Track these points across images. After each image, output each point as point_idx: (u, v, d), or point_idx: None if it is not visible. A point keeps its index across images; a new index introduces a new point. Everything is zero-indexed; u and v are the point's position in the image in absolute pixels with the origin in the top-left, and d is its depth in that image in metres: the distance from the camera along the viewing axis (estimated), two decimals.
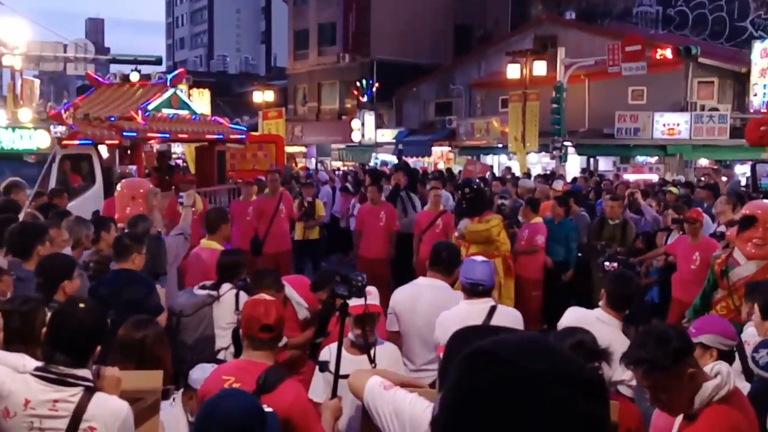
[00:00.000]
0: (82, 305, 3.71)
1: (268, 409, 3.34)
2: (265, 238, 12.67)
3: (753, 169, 5.28)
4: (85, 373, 3.55)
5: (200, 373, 4.81)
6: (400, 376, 4.09)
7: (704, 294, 7.77)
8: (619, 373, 4.83)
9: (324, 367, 4.55)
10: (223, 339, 6.17)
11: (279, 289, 6.11)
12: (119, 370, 3.78)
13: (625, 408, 4.17)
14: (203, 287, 6.37)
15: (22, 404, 3.48)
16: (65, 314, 3.68)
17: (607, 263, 10.72)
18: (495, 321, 5.58)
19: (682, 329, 3.91)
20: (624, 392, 5.00)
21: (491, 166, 29.64)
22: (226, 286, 6.36)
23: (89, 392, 3.52)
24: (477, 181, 11.40)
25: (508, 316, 5.81)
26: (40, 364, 3.63)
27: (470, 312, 5.65)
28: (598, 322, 5.02)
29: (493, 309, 5.69)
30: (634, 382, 4.94)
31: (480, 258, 6.17)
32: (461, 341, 1.56)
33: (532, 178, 21.25)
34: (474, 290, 5.74)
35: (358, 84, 42.21)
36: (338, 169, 31.11)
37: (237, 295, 6.25)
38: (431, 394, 3.56)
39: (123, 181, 9.87)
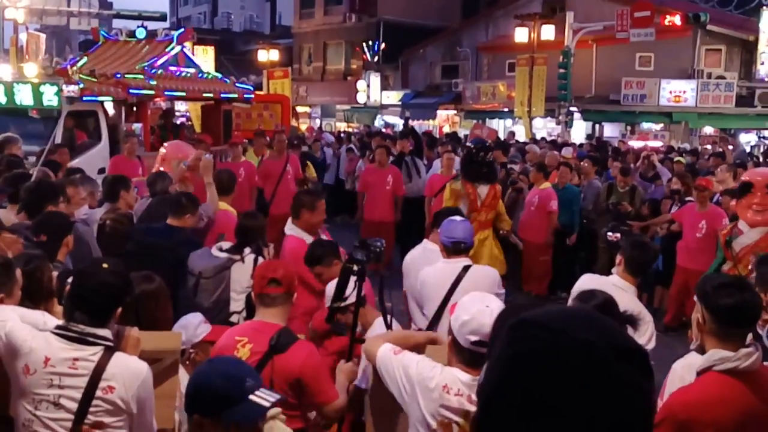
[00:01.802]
0: (105, 265, 3.71)
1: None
2: (272, 200, 12.62)
3: None
4: (105, 332, 3.56)
5: (188, 331, 4.73)
6: (414, 334, 4.13)
7: (717, 269, 7.78)
8: (635, 337, 4.89)
9: (341, 329, 4.59)
10: (236, 303, 6.18)
11: None
12: (138, 331, 3.80)
13: None
14: (220, 249, 6.37)
15: (43, 362, 3.50)
16: (87, 274, 3.68)
17: (610, 233, 10.75)
18: (468, 279, 5.74)
19: None
20: None
21: (496, 131, 29.57)
22: (247, 250, 6.35)
23: (109, 351, 3.53)
24: (488, 147, 11.36)
25: (482, 275, 5.95)
26: (60, 322, 3.65)
27: (446, 270, 5.86)
28: (615, 288, 5.03)
29: (467, 267, 5.84)
30: (650, 346, 5.05)
31: (459, 217, 6.32)
32: (509, 314, 1.57)
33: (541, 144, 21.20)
34: (455, 249, 5.90)
35: (364, 45, 41.92)
36: (342, 132, 30.93)
37: (256, 260, 6.24)
38: (438, 354, 3.63)
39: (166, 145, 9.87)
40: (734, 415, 3.40)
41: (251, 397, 2.84)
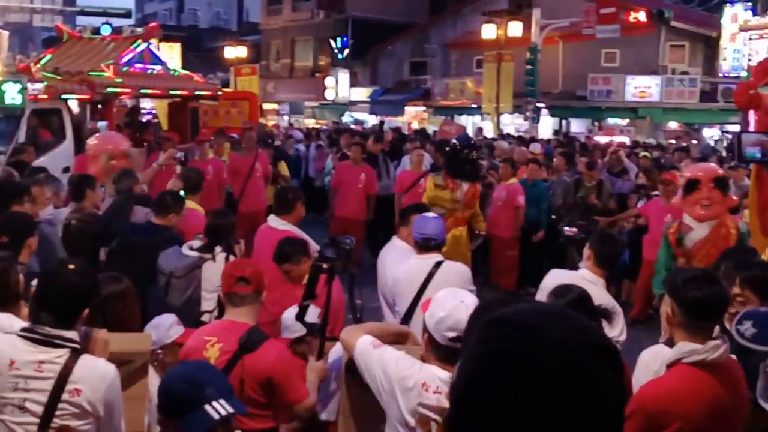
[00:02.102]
0: (71, 266, 3.66)
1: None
2: (240, 197, 12.56)
3: (738, 138, 5.31)
4: (72, 334, 3.51)
5: (159, 331, 4.71)
6: (393, 327, 4.12)
7: (666, 268, 7.84)
8: (609, 331, 4.90)
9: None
10: (208, 302, 6.13)
11: None
12: (107, 332, 3.75)
13: None
14: (191, 248, 6.31)
15: (7, 364, 3.44)
16: (54, 275, 3.64)
17: (567, 228, 10.89)
18: (440, 275, 5.73)
19: None
20: None
21: (464, 127, 29.65)
22: (218, 249, 6.30)
23: (76, 354, 3.48)
24: (474, 144, 11.34)
25: (454, 271, 5.94)
26: (26, 324, 3.60)
27: (418, 266, 5.85)
28: (586, 282, 5.08)
29: (438, 264, 5.83)
30: (622, 338, 5.15)
31: (431, 214, 6.35)
32: (482, 312, 1.56)
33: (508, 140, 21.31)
34: (426, 245, 5.89)
35: (332, 41, 41.83)
36: (310, 129, 30.86)
37: (227, 259, 6.19)
38: (417, 351, 3.62)
39: (95, 137, 9.74)
40: (703, 406, 3.43)
41: (206, 407, 2.82)
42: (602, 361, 1.33)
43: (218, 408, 2.83)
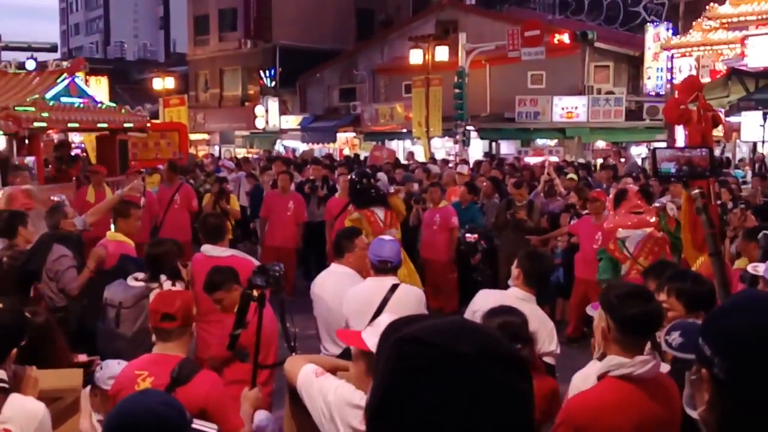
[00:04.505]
0: None
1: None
2: (160, 228, 12.57)
3: (653, 154, 5.50)
4: (0, 374, 3.46)
5: (104, 371, 4.73)
6: (335, 360, 4.14)
7: (614, 276, 8.14)
8: (546, 346, 5.24)
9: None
10: None
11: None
12: (37, 370, 3.70)
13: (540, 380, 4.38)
14: (136, 279, 6.26)
15: None
16: None
17: (468, 234, 11.01)
18: (396, 298, 5.76)
19: None
20: (549, 361, 5.32)
21: (395, 152, 29.78)
22: (163, 277, 6.24)
23: (4, 393, 3.43)
24: (369, 173, 11.47)
25: (409, 294, 5.98)
26: None
27: (374, 288, 5.87)
28: (518, 301, 5.17)
29: (395, 286, 5.85)
30: (558, 351, 5.35)
31: (388, 237, 6.41)
32: (391, 331, 1.60)
33: (438, 163, 21.49)
34: (382, 267, 5.92)
35: (261, 70, 41.76)
36: (238, 158, 30.66)
37: (173, 285, 6.16)
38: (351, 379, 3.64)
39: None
40: (630, 420, 3.46)
41: (194, 425, 2.78)
42: (509, 371, 1.37)
43: (202, 428, 2.80)
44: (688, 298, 4.28)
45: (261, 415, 4.56)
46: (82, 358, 4.48)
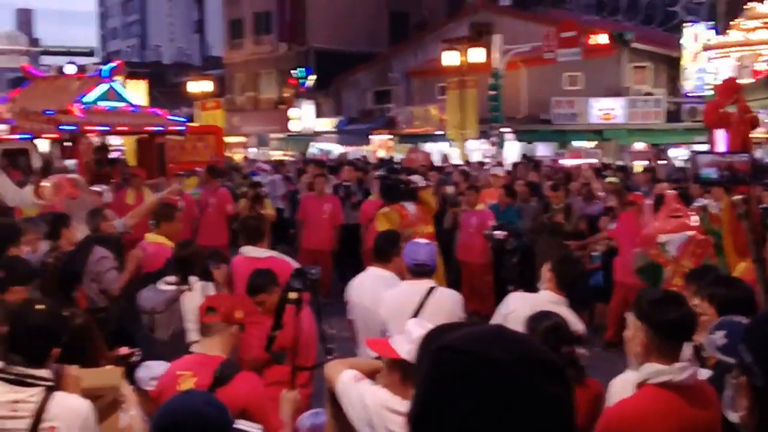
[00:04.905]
0: (39, 306, 3.67)
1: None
2: (197, 232, 12.60)
3: (694, 159, 5.51)
4: (44, 373, 3.52)
5: (146, 372, 4.78)
6: (374, 362, 4.17)
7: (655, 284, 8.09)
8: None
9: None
10: (193, 333, 6.07)
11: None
12: (79, 369, 3.76)
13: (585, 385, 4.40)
14: (167, 282, 6.31)
15: None
16: (21, 315, 3.65)
17: (497, 232, 10.94)
18: (433, 301, 5.72)
19: None
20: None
21: (430, 154, 29.73)
22: (193, 278, 6.29)
23: (49, 392, 3.49)
24: (398, 168, 11.49)
25: (446, 297, 5.96)
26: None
27: (410, 291, 5.83)
28: (550, 304, 5.15)
29: (431, 289, 5.82)
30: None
31: (423, 240, 6.36)
32: (430, 340, 1.61)
33: (473, 166, 21.43)
34: (419, 270, 5.89)
35: (295, 73, 41.92)
36: (275, 161, 30.77)
37: (204, 286, 6.22)
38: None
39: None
40: (670, 427, 3.43)
41: (238, 425, 2.81)
42: (546, 377, 1.37)
43: (246, 428, 2.83)
44: (720, 302, 4.24)
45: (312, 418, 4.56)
46: (124, 350, 4.52)
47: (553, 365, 1.41)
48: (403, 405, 3.33)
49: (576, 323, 5.22)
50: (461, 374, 1.36)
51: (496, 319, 5.70)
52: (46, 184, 9.37)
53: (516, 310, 5.44)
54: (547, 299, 5.47)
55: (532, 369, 1.37)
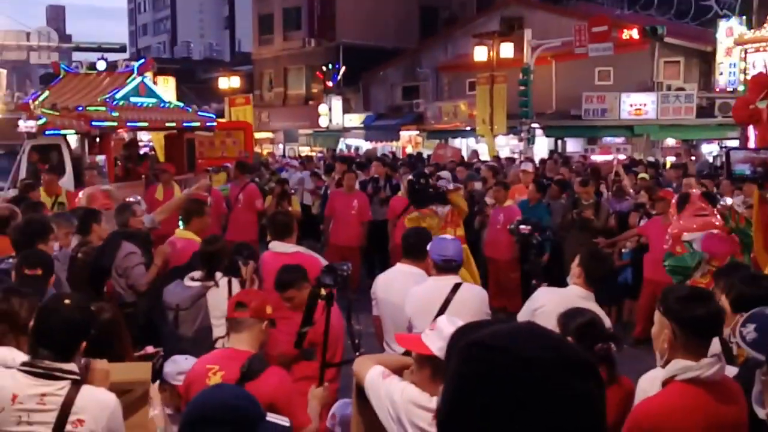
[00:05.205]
0: (67, 301, 3.70)
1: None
2: (226, 228, 12.69)
3: (727, 156, 5.45)
4: (71, 366, 3.56)
5: (173, 366, 4.80)
6: (402, 358, 4.17)
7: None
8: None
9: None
10: (219, 328, 6.09)
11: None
12: (107, 363, 3.78)
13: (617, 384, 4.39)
14: (192, 279, 6.33)
15: (10, 399, 3.48)
16: (49, 310, 3.68)
17: (522, 226, 10.86)
18: (459, 297, 5.72)
19: None
20: None
21: (460, 150, 29.65)
22: (218, 274, 6.32)
23: (77, 385, 3.53)
24: (426, 173, 11.44)
25: (472, 293, 5.96)
26: (27, 358, 3.62)
27: (436, 287, 5.83)
28: (579, 299, 5.13)
29: (457, 285, 5.82)
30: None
31: (449, 236, 6.32)
32: (459, 337, 1.60)
33: (503, 161, 21.36)
34: (446, 266, 5.88)
35: (324, 68, 41.99)
36: (303, 156, 30.85)
37: (230, 282, 6.23)
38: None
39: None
40: (697, 424, 3.41)
41: (267, 418, 2.80)
42: (577, 374, 1.36)
43: (276, 421, 2.82)
44: (734, 298, 4.21)
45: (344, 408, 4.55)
46: (150, 349, 4.54)
47: (586, 363, 1.40)
48: (432, 401, 3.33)
49: (601, 315, 5.19)
50: (492, 371, 1.35)
51: (524, 314, 5.68)
52: (80, 195, 9.50)
53: (544, 305, 5.43)
54: (575, 294, 5.44)
55: (564, 367, 1.35)
